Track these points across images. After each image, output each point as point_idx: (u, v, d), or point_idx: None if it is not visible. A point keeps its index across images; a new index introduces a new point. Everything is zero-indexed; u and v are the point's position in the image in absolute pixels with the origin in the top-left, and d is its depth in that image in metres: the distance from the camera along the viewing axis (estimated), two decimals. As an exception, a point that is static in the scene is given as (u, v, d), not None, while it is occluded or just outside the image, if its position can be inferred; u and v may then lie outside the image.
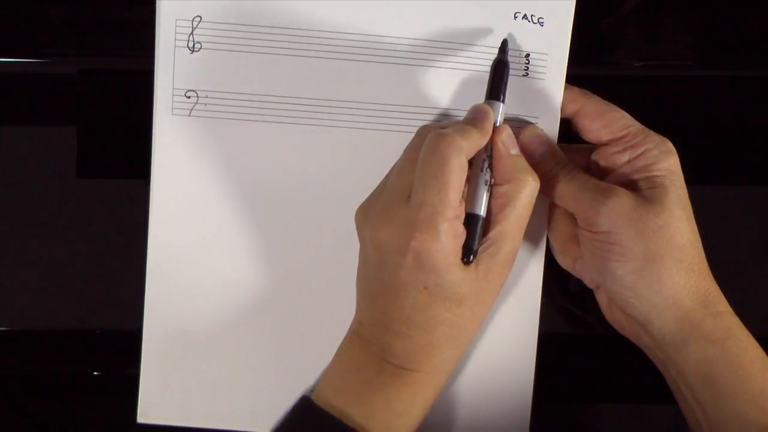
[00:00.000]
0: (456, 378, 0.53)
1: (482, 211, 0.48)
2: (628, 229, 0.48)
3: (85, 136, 0.58)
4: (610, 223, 0.48)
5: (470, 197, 0.48)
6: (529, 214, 0.49)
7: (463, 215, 0.48)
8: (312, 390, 0.50)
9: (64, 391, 0.60)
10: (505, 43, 0.51)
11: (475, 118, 0.49)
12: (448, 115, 0.53)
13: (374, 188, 0.50)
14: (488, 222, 0.48)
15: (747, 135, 0.60)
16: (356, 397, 0.48)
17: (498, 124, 0.50)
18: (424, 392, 0.49)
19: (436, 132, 0.47)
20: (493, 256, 0.48)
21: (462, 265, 0.47)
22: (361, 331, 0.49)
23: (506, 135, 0.49)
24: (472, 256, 0.48)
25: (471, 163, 0.48)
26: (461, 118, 0.51)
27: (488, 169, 0.49)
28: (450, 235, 0.46)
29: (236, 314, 0.54)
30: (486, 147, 0.49)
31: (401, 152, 0.50)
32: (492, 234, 0.48)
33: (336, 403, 0.48)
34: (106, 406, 0.61)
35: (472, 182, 0.49)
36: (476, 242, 0.48)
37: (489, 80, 0.51)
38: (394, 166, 0.50)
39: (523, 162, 0.49)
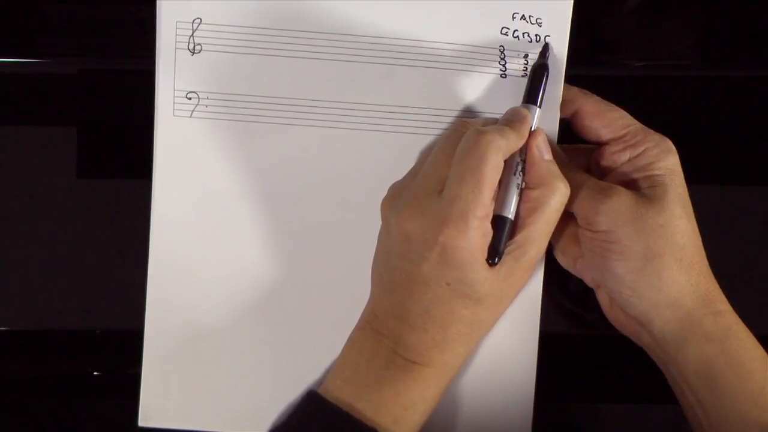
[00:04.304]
0: (457, 378, 0.52)
1: (511, 214, 0.48)
2: (628, 227, 0.48)
3: (85, 136, 0.58)
4: (610, 222, 0.48)
5: (500, 199, 0.48)
6: (557, 220, 0.49)
7: (492, 215, 0.48)
8: (320, 384, 0.50)
9: (64, 391, 0.60)
10: (546, 47, 0.51)
11: (513, 121, 0.49)
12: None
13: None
14: (515, 225, 0.49)
15: (747, 135, 0.60)
16: (365, 390, 0.48)
17: (533, 129, 0.50)
18: (433, 387, 0.49)
19: (476, 129, 0.47)
20: (517, 259, 0.48)
21: (486, 264, 0.47)
22: (374, 322, 0.49)
23: (541, 140, 0.49)
24: (497, 258, 0.48)
25: (504, 165, 0.48)
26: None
27: (521, 173, 0.49)
28: (479, 233, 0.46)
29: (238, 315, 0.54)
30: (520, 150, 0.49)
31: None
32: (518, 237, 0.48)
33: (344, 395, 0.48)
34: (106, 406, 0.61)
35: (503, 184, 0.49)
36: (502, 244, 0.48)
37: (527, 84, 0.51)
38: (428, 156, 0.49)
39: (555, 168, 0.49)
